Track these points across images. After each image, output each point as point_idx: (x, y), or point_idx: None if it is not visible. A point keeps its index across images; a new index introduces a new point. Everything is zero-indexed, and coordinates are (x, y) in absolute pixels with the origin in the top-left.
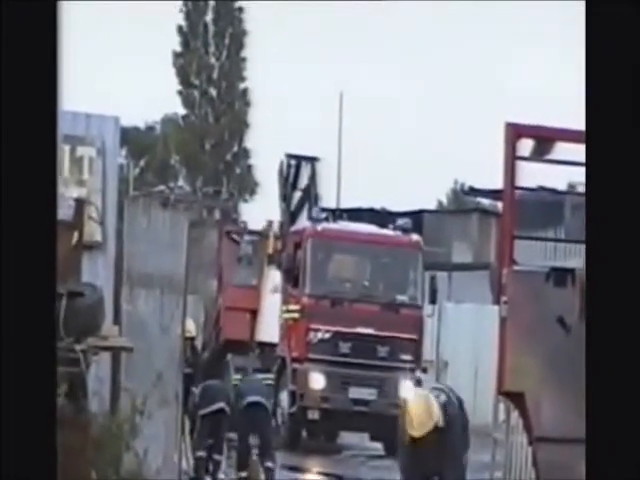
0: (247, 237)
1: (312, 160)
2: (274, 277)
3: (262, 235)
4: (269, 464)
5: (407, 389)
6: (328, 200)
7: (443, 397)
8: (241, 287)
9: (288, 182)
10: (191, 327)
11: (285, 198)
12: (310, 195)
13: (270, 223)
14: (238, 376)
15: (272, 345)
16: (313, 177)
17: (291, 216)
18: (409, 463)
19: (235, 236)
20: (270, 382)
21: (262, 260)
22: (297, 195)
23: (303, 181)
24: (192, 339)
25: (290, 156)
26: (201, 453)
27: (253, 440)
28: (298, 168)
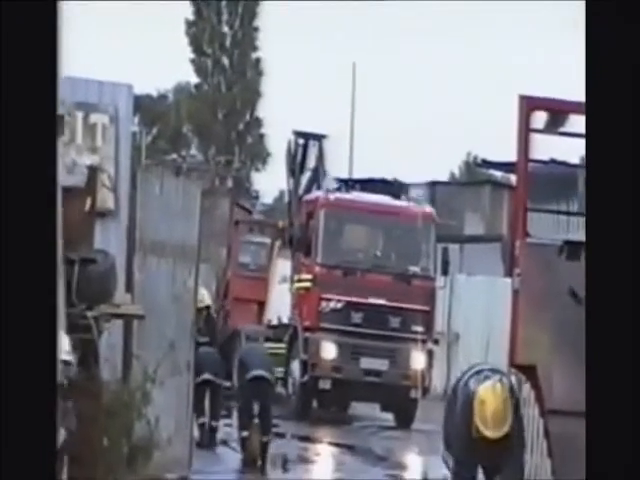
0: (259, 206)
1: (320, 137)
2: (283, 267)
3: (273, 226)
4: (265, 439)
5: (419, 361)
6: (340, 172)
7: (506, 382)
8: (249, 277)
9: (296, 160)
10: (205, 296)
11: (293, 174)
12: (319, 175)
13: (281, 194)
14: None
15: (278, 325)
16: (321, 156)
17: (299, 199)
18: (471, 459)
19: (246, 205)
20: (282, 351)
21: (271, 251)
22: (306, 175)
23: (311, 160)
24: (207, 308)
25: (298, 134)
26: (201, 420)
27: (255, 411)
28: (306, 147)
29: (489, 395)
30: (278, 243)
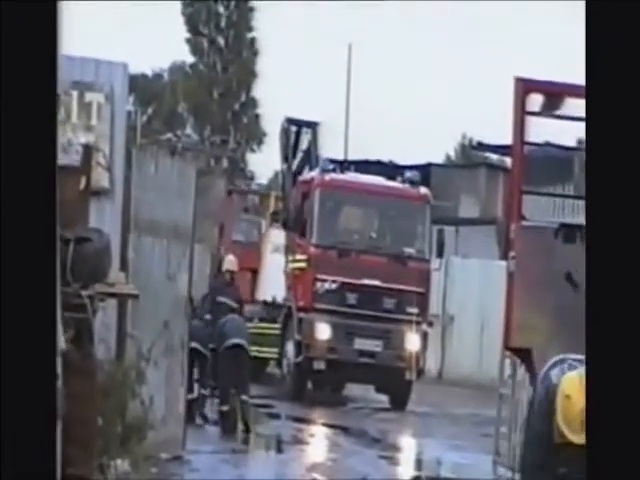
0: (254, 187)
1: (313, 125)
2: (275, 236)
3: (264, 195)
4: (244, 397)
5: (413, 342)
6: (336, 153)
7: None
8: (241, 246)
9: (289, 145)
10: (233, 262)
11: (287, 159)
12: (311, 156)
13: (276, 176)
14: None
15: (273, 304)
16: (314, 141)
17: (293, 177)
18: (550, 471)
19: (242, 185)
20: (276, 332)
21: (263, 219)
22: (299, 156)
23: (304, 144)
24: (232, 272)
25: (290, 121)
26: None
27: (233, 378)
28: (299, 134)
29: (575, 388)
30: (268, 217)
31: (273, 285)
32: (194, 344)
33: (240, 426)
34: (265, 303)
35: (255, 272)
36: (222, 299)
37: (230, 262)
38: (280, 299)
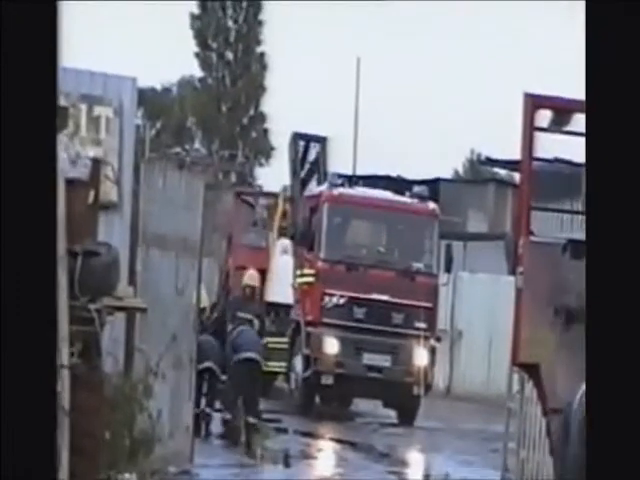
0: (262, 201)
1: (321, 139)
2: (283, 240)
3: (274, 196)
4: (252, 420)
5: (421, 357)
6: (344, 168)
7: None
8: (250, 247)
9: (297, 159)
10: (254, 277)
11: (295, 174)
12: (319, 167)
13: (284, 188)
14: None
15: (280, 305)
16: (322, 155)
17: (301, 183)
18: None
19: (249, 199)
20: (284, 346)
21: (271, 223)
22: (306, 169)
23: (312, 158)
24: (253, 288)
25: (299, 136)
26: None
27: (243, 393)
28: (307, 148)
29: None
30: (276, 231)
31: (282, 285)
32: (208, 363)
33: (243, 444)
34: (275, 307)
35: (264, 272)
36: (242, 315)
37: (251, 277)
38: (288, 301)
